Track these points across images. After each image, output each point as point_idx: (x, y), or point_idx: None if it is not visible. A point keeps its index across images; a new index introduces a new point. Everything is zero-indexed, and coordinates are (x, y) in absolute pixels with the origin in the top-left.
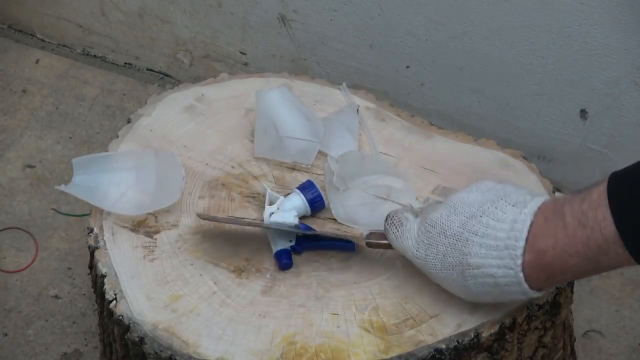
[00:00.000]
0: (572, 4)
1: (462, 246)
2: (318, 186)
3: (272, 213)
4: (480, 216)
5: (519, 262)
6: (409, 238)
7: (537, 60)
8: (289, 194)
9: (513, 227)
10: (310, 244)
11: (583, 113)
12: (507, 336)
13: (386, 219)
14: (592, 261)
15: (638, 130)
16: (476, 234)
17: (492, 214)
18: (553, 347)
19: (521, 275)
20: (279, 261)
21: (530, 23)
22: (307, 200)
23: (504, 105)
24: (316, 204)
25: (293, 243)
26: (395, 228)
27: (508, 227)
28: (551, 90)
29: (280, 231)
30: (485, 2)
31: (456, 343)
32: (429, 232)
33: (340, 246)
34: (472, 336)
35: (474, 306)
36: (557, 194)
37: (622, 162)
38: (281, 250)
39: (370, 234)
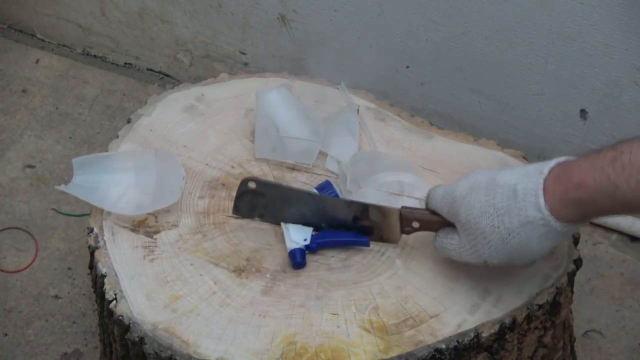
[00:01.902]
0: (572, 4)
1: (494, 174)
2: (335, 186)
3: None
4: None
5: (543, 175)
6: (445, 187)
7: (537, 60)
8: None
9: (548, 162)
10: (325, 242)
11: (583, 113)
12: (507, 336)
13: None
14: (612, 185)
15: (638, 130)
16: (510, 169)
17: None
18: (553, 347)
19: (541, 182)
20: (293, 260)
21: (530, 23)
22: None
23: (504, 105)
24: None
25: (308, 242)
26: (436, 186)
27: (546, 162)
28: (551, 90)
29: (297, 227)
30: (485, 2)
31: (456, 343)
32: (468, 175)
33: (354, 242)
34: (472, 336)
35: (474, 306)
36: None
37: None
38: (295, 249)
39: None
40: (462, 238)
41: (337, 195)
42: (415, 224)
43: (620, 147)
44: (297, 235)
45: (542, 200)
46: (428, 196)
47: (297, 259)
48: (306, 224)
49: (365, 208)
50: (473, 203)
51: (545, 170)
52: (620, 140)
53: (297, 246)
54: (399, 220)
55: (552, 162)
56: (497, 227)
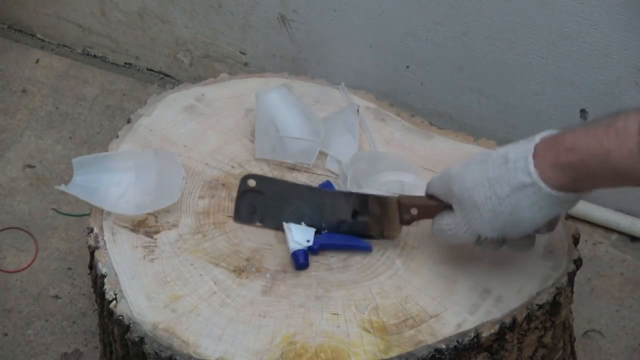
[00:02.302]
0: (572, 4)
1: (489, 153)
2: (335, 186)
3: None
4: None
5: (533, 143)
6: (442, 172)
7: (537, 60)
8: None
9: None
10: (327, 244)
11: (583, 113)
12: (507, 336)
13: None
14: (604, 150)
15: None
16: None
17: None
18: (553, 347)
19: (531, 147)
20: (296, 261)
21: (530, 23)
22: None
23: (504, 105)
24: None
25: (310, 243)
26: (436, 173)
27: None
28: (551, 90)
29: (300, 228)
30: (485, 2)
31: (456, 343)
32: (464, 161)
33: (356, 246)
34: (472, 336)
35: (474, 306)
36: None
37: None
38: (298, 250)
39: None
40: (457, 215)
41: None
42: (414, 211)
43: (616, 115)
44: (300, 236)
45: (532, 165)
46: (427, 183)
47: (300, 260)
48: (306, 222)
49: (364, 199)
50: (466, 177)
51: (537, 137)
52: (618, 109)
53: (300, 247)
54: (397, 209)
55: (545, 132)
56: (489, 197)
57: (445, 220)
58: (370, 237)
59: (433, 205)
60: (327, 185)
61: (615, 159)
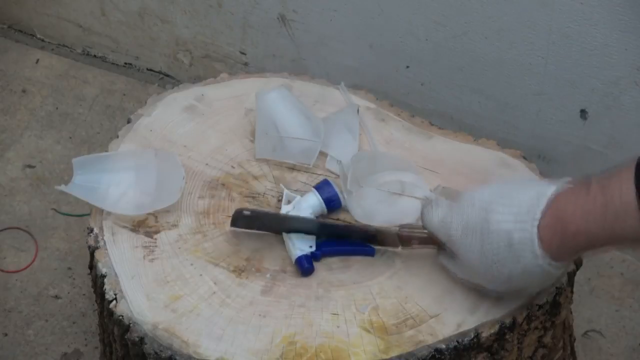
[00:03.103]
0: (572, 4)
1: (486, 213)
2: (334, 185)
3: (288, 212)
4: (510, 192)
5: (537, 217)
6: (439, 214)
7: (537, 60)
8: (305, 193)
9: (538, 194)
10: (330, 249)
11: (583, 113)
12: (507, 336)
13: (422, 204)
14: (607, 230)
15: (638, 130)
16: (502, 204)
17: (522, 190)
18: (553, 347)
19: (535, 231)
20: (301, 267)
21: (530, 23)
22: (323, 199)
23: (504, 105)
24: (332, 203)
25: (313, 249)
26: (430, 207)
27: (534, 194)
28: (551, 90)
29: (300, 236)
30: (485, 2)
31: (456, 343)
32: (460, 203)
33: (360, 251)
34: (472, 336)
35: (474, 306)
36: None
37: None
38: (302, 256)
39: (402, 229)
40: (464, 271)
41: (336, 195)
42: (415, 242)
43: (608, 190)
44: (302, 243)
45: (540, 251)
46: (423, 217)
47: (305, 265)
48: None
49: (364, 230)
50: (470, 248)
51: (537, 216)
52: (606, 175)
53: (303, 253)
54: (397, 239)
55: (542, 205)
56: (497, 275)
57: (452, 265)
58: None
59: (434, 240)
60: (325, 184)
61: (621, 236)
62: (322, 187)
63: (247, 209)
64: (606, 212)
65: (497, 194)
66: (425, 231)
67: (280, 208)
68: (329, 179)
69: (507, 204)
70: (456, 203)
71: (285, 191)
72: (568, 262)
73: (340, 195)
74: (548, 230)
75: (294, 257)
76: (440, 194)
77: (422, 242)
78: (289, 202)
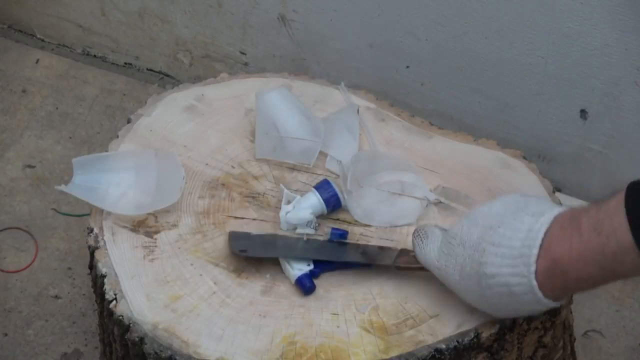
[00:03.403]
0: (572, 4)
1: (479, 256)
2: (334, 185)
3: (288, 212)
4: (499, 227)
5: (532, 268)
6: (432, 250)
7: (537, 60)
8: (305, 193)
9: (528, 235)
10: (328, 267)
11: (583, 113)
12: (507, 336)
13: (413, 233)
14: (608, 270)
15: (638, 130)
16: (493, 244)
17: (510, 225)
18: (553, 347)
19: (534, 282)
20: (303, 286)
21: (530, 23)
22: (323, 199)
23: (504, 105)
24: (332, 203)
25: (311, 267)
26: (421, 240)
27: (523, 236)
28: (551, 90)
29: (295, 259)
30: (485, 2)
31: (456, 343)
32: (449, 243)
33: (358, 265)
34: (472, 336)
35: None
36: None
37: (622, 162)
38: (302, 275)
39: (400, 256)
40: (463, 299)
41: (336, 195)
42: (412, 272)
43: (602, 229)
44: (299, 263)
45: (543, 298)
46: (415, 251)
47: (307, 285)
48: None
49: (362, 251)
50: (469, 294)
51: (532, 264)
52: (594, 210)
53: (302, 272)
54: (394, 267)
55: (534, 249)
56: (500, 314)
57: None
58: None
59: None
60: (325, 184)
61: (623, 273)
62: (322, 187)
63: (240, 232)
64: (604, 253)
65: (484, 232)
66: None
67: (280, 208)
68: (329, 178)
69: (497, 245)
70: (445, 241)
71: (285, 191)
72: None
73: (340, 195)
74: (547, 278)
75: (293, 278)
76: (440, 194)
77: (420, 272)
78: (288, 202)
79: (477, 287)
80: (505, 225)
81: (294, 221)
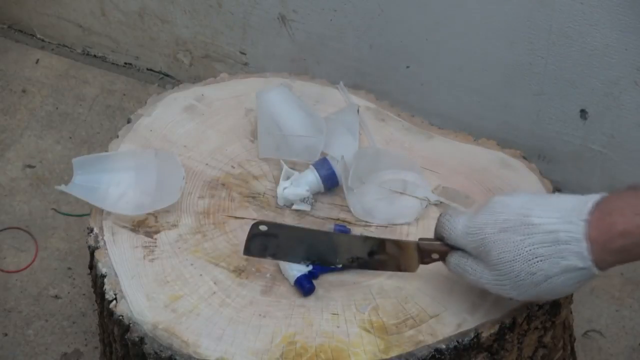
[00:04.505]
0: (572, 4)
1: (525, 211)
2: (333, 163)
3: (286, 188)
4: (547, 197)
5: (584, 216)
6: (463, 219)
7: (537, 60)
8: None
9: (581, 198)
10: (328, 267)
11: (583, 113)
12: (507, 336)
13: (439, 216)
14: None
15: (638, 130)
16: (541, 205)
17: (560, 197)
18: (553, 347)
19: (583, 230)
20: (302, 287)
21: (530, 23)
22: (320, 176)
23: (504, 105)
24: (330, 181)
25: (310, 267)
26: (449, 216)
27: (575, 200)
28: (551, 90)
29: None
30: (485, 2)
31: (456, 343)
32: (489, 207)
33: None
34: (472, 336)
35: (474, 306)
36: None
37: (622, 162)
38: (301, 276)
39: (422, 239)
40: (487, 272)
41: (333, 173)
42: (435, 256)
43: None
44: (298, 265)
45: (586, 251)
46: (442, 227)
47: (306, 285)
48: (319, 259)
49: (381, 242)
50: (506, 246)
51: (585, 214)
52: None
53: (301, 273)
54: (416, 252)
55: (590, 203)
56: (534, 273)
57: (469, 265)
58: (385, 270)
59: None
60: (324, 162)
61: None
62: (321, 164)
63: (264, 222)
64: None
65: (531, 198)
66: (445, 245)
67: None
68: (327, 157)
69: (546, 205)
70: (483, 208)
71: (285, 167)
72: (606, 271)
73: (342, 184)
74: (595, 228)
75: (292, 279)
76: (440, 194)
77: (442, 254)
78: (287, 178)
79: (520, 236)
80: (553, 197)
81: (291, 197)
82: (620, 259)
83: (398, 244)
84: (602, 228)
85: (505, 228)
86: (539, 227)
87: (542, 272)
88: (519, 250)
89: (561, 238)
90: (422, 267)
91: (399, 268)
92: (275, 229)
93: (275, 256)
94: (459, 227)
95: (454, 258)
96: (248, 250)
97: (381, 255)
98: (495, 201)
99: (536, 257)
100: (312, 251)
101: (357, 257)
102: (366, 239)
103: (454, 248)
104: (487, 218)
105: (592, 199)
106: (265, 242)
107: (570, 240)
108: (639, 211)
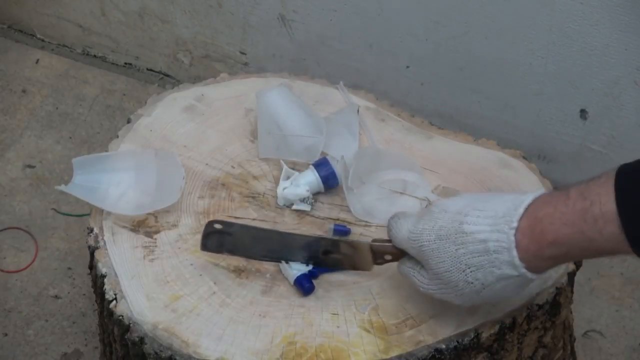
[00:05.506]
0: (572, 4)
1: (460, 217)
2: (333, 163)
3: (286, 188)
4: (485, 199)
5: (514, 225)
6: (408, 223)
7: (537, 60)
8: (304, 170)
9: (515, 201)
10: (327, 268)
11: (583, 113)
12: (507, 336)
13: (389, 219)
14: (586, 237)
15: (638, 130)
16: (477, 209)
17: (497, 198)
18: (553, 347)
19: (512, 238)
20: (302, 287)
21: (530, 23)
22: (320, 176)
23: (504, 105)
24: (330, 181)
25: (310, 267)
26: (397, 218)
27: (510, 201)
28: (551, 90)
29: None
30: (485, 2)
31: (456, 343)
32: (430, 211)
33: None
34: (472, 336)
35: (474, 306)
36: None
37: (622, 162)
38: (300, 275)
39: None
40: (432, 281)
41: (333, 173)
42: (388, 257)
43: (588, 195)
44: (297, 263)
45: (516, 259)
46: (389, 230)
47: (306, 285)
48: (274, 258)
49: (335, 243)
50: (442, 256)
51: (515, 222)
52: (585, 182)
53: (301, 272)
54: (370, 253)
55: (521, 208)
56: (471, 282)
57: (417, 274)
58: (342, 269)
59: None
60: (324, 162)
61: (600, 245)
62: (321, 164)
63: (218, 220)
64: (585, 217)
65: (471, 202)
66: (393, 245)
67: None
68: (327, 157)
69: (482, 209)
70: (426, 212)
71: (284, 167)
72: (541, 274)
73: (341, 183)
74: (524, 236)
75: (292, 278)
76: (440, 194)
77: (395, 256)
78: (287, 178)
79: (453, 246)
80: (493, 197)
81: (291, 197)
82: (554, 264)
83: (352, 244)
84: (532, 237)
85: (441, 236)
86: (471, 236)
87: (478, 281)
88: (453, 260)
89: (490, 247)
90: None
91: (354, 267)
92: (230, 227)
93: (232, 252)
94: (403, 231)
95: (404, 264)
96: (205, 247)
97: (336, 254)
98: (436, 205)
99: (469, 268)
100: (266, 249)
101: (312, 256)
102: (321, 239)
103: (401, 248)
104: (425, 224)
105: (523, 202)
106: (221, 239)
107: (500, 249)
108: (567, 220)
